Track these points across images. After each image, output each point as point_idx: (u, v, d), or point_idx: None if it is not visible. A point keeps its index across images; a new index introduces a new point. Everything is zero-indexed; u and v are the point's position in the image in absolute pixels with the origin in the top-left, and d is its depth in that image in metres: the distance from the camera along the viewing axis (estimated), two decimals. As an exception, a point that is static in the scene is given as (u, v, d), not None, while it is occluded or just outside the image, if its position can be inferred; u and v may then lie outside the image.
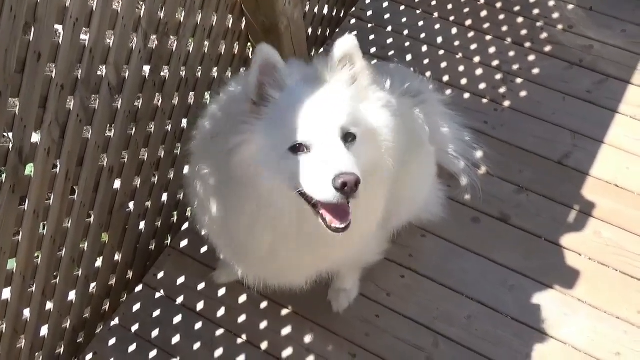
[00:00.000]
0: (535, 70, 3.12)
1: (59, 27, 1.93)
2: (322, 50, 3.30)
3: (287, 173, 1.71)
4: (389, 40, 3.29)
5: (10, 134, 1.90)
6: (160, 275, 2.68)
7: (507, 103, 3.02)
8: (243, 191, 1.80)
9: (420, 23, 3.33)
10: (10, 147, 1.90)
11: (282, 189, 1.76)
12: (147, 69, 2.35)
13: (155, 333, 2.54)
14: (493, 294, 2.54)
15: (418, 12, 3.38)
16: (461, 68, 3.16)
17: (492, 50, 3.21)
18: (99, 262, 2.51)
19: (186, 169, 2.20)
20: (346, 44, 1.78)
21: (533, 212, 2.71)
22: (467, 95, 3.06)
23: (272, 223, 1.86)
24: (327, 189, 1.63)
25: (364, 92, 1.83)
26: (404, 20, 3.35)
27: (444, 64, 3.18)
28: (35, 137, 1.99)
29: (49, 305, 2.34)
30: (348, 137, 1.72)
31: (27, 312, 2.24)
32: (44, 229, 2.17)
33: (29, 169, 2.01)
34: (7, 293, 2.12)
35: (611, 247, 2.60)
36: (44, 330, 2.36)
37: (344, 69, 1.79)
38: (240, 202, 1.84)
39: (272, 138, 1.72)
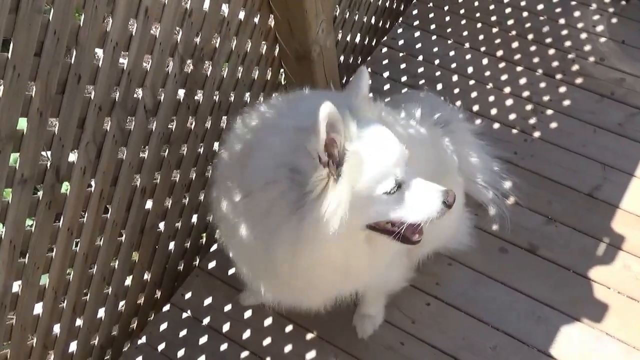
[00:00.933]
0: (566, 102, 3.12)
1: (99, 51, 2.00)
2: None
3: (375, 214, 1.80)
4: (420, 69, 3.32)
5: (49, 153, 1.96)
6: (188, 295, 2.71)
7: (537, 134, 3.02)
8: (305, 245, 1.80)
9: (452, 53, 3.36)
10: (48, 165, 1.96)
11: (347, 232, 1.78)
12: (181, 92, 2.41)
13: (180, 353, 2.56)
14: (520, 325, 2.52)
15: (449, 42, 3.41)
16: (491, 98, 3.17)
17: (522, 81, 3.21)
18: (128, 281, 2.55)
19: (213, 191, 2.23)
20: (365, 77, 1.86)
21: (562, 243, 2.70)
22: (497, 126, 3.07)
23: (326, 260, 1.88)
24: (436, 208, 1.82)
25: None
26: (435, 49, 3.39)
27: (474, 94, 3.19)
28: (72, 157, 2.05)
29: (79, 322, 2.38)
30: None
31: (57, 328, 2.28)
32: (76, 246, 2.22)
33: (65, 187, 2.06)
34: (39, 308, 2.16)
35: (641, 282, 2.58)
36: (73, 346, 2.40)
37: (371, 101, 1.87)
38: (298, 253, 1.83)
39: (359, 190, 1.74)
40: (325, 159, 1.71)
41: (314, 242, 1.78)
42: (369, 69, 3.34)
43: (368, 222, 1.83)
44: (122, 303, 2.56)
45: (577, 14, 3.45)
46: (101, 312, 2.48)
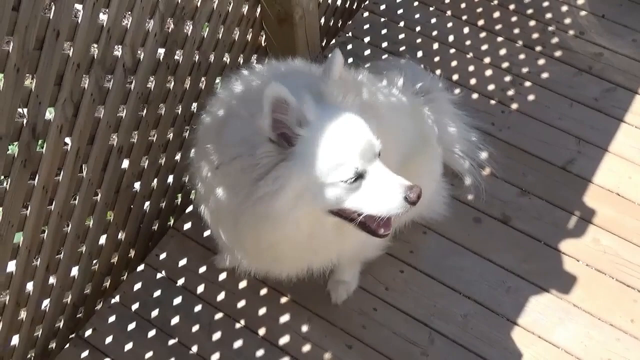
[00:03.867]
0: (545, 75, 3.13)
1: (78, 7, 1.95)
2: (333, 41, 3.30)
3: (332, 200, 1.79)
4: (401, 36, 3.30)
5: (25, 110, 1.92)
6: (163, 256, 2.71)
7: (514, 105, 3.04)
8: (264, 222, 1.82)
9: (433, 20, 3.34)
10: (25, 122, 1.92)
11: (309, 214, 1.82)
12: (161, 51, 2.36)
13: (154, 313, 2.57)
14: (490, 294, 2.57)
15: (431, 9, 3.39)
16: (471, 68, 3.17)
17: (502, 52, 3.22)
18: (102, 240, 2.53)
19: (192, 152, 2.22)
20: (338, 61, 1.82)
21: (534, 215, 2.74)
22: (475, 96, 3.08)
23: (288, 240, 1.90)
24: (397, 204, 1.79)
25: (364, 105, 1.89)
26: (416, 16, 3.36)
27: (454, 63, 3.19)
28: (49, 115, 2.01)
29: (52, 280, 2.36)
30: (379, 154, 1.82)
31: (30, 286, 2.27)
32: (51, 204, 2.19)
33: (41, 145, 2.03)
34: (12, 266, 2.14)
35: (609, 255, 2.63)
36: (45, 304, 2.39)
37: (343, 86, 1.83)
38: (258, 230, 1.86)
39: (312, 174, 1.74)
40: (274, 138, 1.71)
41: (269, 222, 1.80)
42: (350, 33, 3.32)
43: (326, 207, 1.82)
44: (95, 262, 2.55)
45: (558, -15, 3.45)
46: (75, 271, 2.46)
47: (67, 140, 2.13)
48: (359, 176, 1.77)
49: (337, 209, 1.83)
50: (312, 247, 1.97)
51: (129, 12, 2.14)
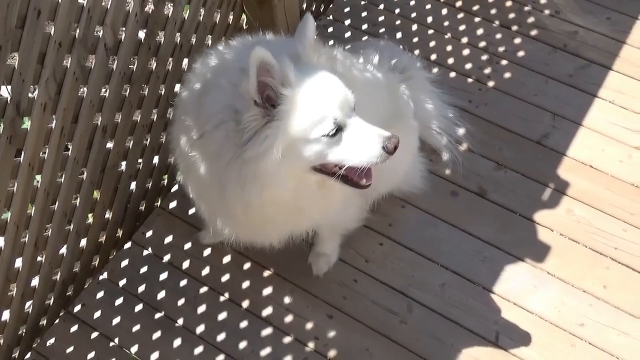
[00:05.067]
0: (521, 53, 3.20)
1: (58, -13, 2.01)
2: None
3: (316, 155, 1.86)
4: (381, 18, 3.37)
5: (9, 87, 1.98)
6: (149, 234, 2.78)
7: (491, 83, 3.11)
8: (252, 184, 1.89)
9: (412, 2, 3.40)
10: (9, 100, 1.98)
11: (294, 172, 1.90)
12: (143, 32, 2.42)
13: (141, 288, 2.64)
14: (467, 264, 2.64)
15: (410, -9, 3.46)
16: (449, 48, 3.24)
17: (480, 31, 3.29)
18: (90, 219, 2.60)
19: (173, 131, 2.28)
20: (310, 22, 1.91)
21: (510, 188, 2.82)
22: (453, 74, 3.15)
23: (276, 200, 1.97)
24: (376, 153, 1.87)
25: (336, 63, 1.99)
26: (396, -2, 3.44)
27: (432, 43, 3.26)
28: (30, 94, 2.06)
29: (40, 258, 2.43)
30: (354, 109, 1.91)
31: (19, 262, 2.33)
32: (37, 182, 2.26)
33: (26, 123, 2.09)
34: (0, 241, 2.21)
35: (582, 225, 2.71)
36: (35, 281, 2.46)
37: (316, 47, 1.93)
38: (247, 192, 1.92)
39: (295, 131, 1.82)
40: (260, 101, 1.79)
41: (258, 182, 1.87)
42: (330, 17, 3.39)
43: (310, 164, 1.90)
44: (83, 240, 2.61)
45: (535, -34, 3.51)
46: (63, 249, 2.53)
47: (52, 118, 2.19)
48: (339, 129, 1.85)
49: (320, 165, 1.90)
50: (299, 207, 2.04)
51: (109, -7, 2.20)
